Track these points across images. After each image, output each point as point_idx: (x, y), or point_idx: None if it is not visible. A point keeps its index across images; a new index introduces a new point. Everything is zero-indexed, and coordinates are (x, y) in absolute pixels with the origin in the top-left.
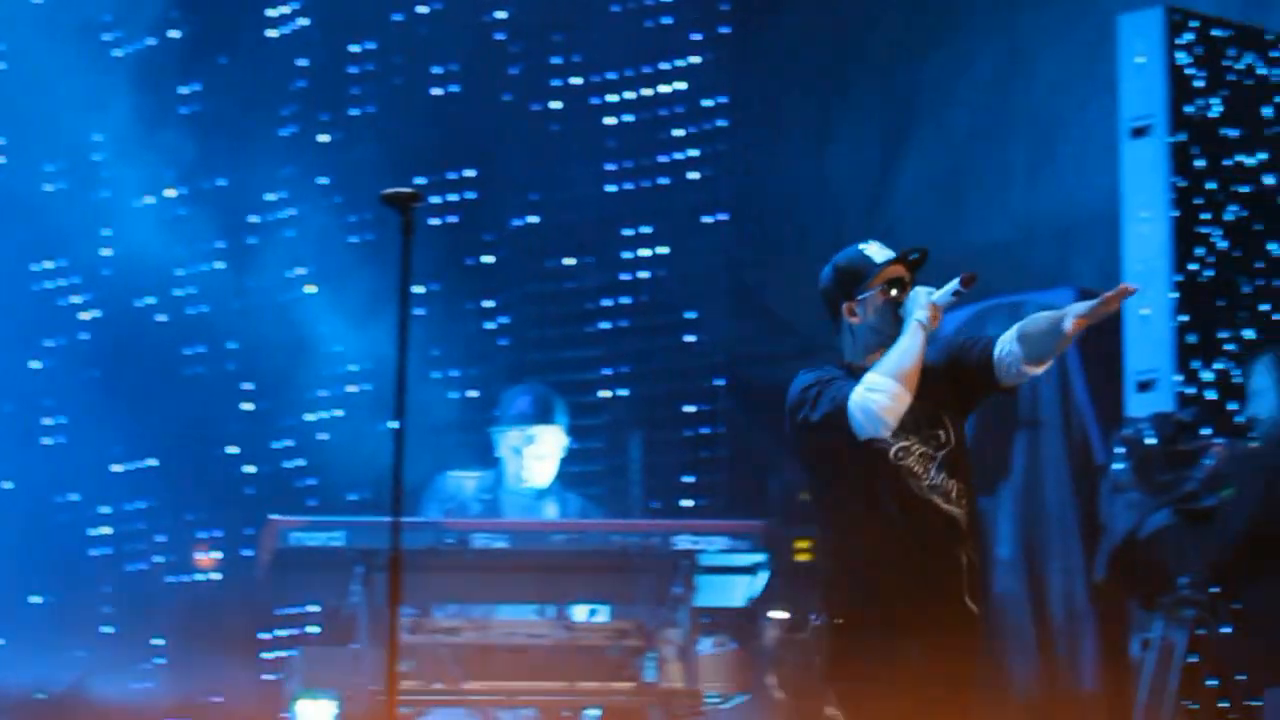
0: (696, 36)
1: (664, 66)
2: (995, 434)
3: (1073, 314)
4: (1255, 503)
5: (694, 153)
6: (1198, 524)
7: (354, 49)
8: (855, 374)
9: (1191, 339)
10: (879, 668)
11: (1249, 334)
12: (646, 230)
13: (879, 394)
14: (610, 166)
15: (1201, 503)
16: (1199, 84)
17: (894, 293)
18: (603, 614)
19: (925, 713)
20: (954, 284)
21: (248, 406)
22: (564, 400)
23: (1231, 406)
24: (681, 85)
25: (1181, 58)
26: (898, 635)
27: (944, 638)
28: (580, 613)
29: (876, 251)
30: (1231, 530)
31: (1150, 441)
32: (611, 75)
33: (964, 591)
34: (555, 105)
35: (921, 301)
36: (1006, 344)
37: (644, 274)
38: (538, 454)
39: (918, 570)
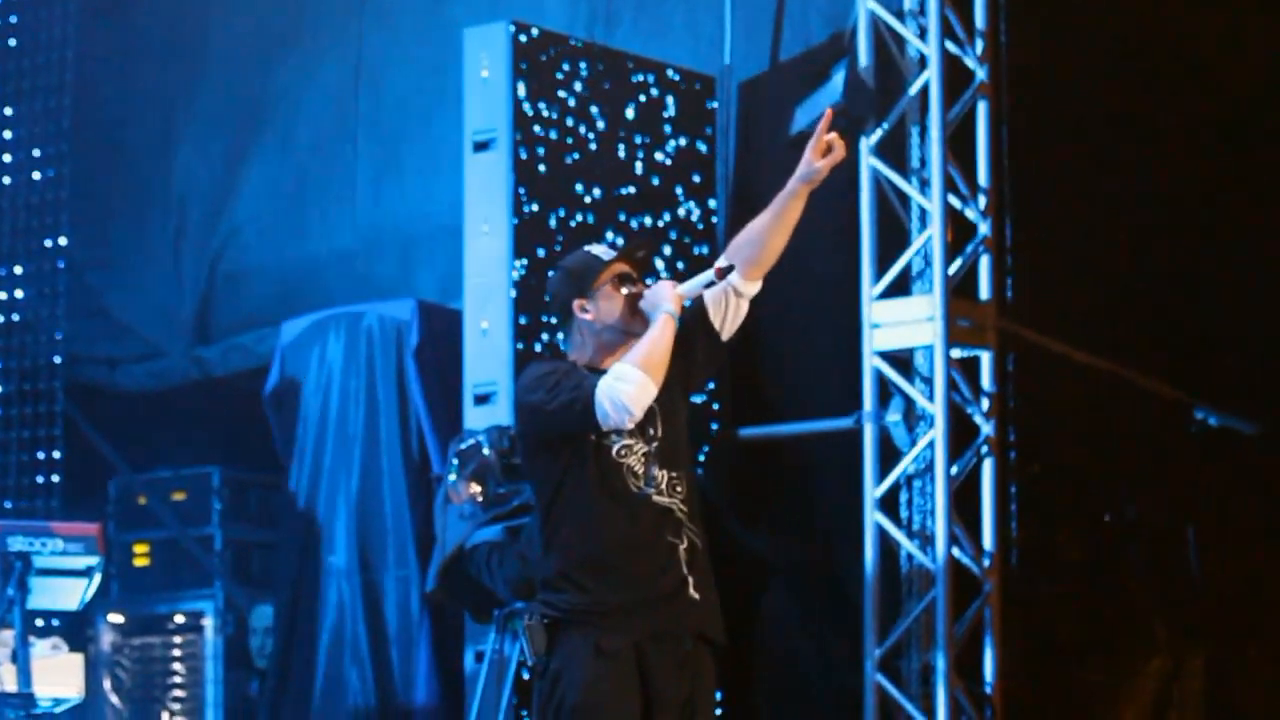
0: (43, 36)
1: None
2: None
3: (797, 178)
4: None
5: (36, 153)
6: (516, 540)
7: None
8: (593, 372)
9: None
10: (588, 665)
11: None
12: None
13: (627, 383)
14: None
15: (525, 519)
16: (543, 99)
17: (624, 289)
18: None
19: (631, 699)
20: (707, 275)
21: None
22: None
23: None
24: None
25: (526, 72)
26: (605, 632)
27: (662, 628)
28: None
29: (603, 251)
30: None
31: (487, 454)
32: None
33: (685, 580)
34: None
35: (667, 294)
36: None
37: None
38: None
39: (628, 566)
